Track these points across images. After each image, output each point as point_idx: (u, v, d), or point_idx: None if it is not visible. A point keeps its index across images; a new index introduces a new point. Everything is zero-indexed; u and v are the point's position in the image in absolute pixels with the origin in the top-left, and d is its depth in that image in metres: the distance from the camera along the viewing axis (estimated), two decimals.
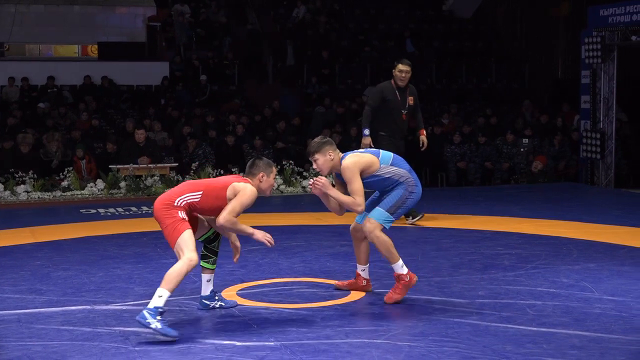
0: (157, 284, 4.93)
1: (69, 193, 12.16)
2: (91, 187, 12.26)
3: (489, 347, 4.62)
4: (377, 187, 5.64)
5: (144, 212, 10.27)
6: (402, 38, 20.14)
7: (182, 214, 5.04)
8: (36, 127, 14.81)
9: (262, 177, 5.24)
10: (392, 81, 8.84)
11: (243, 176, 5.34)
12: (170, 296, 4.87)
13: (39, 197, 11.98)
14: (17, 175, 12.14)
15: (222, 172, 12.44)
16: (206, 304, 5.50)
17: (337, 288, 6.02)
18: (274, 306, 5.58)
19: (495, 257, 7.13)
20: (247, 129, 14.89)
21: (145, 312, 4.77)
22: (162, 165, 12.76)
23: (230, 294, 5.90)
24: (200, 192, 5.12)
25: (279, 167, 12.36)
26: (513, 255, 7.18)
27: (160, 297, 4.80)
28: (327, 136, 5.89)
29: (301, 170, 12.91)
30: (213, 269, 5.48)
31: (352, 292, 5.89)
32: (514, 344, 4.65)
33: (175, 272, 4.85)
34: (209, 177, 11.72)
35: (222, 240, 5.48)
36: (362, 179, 5.47)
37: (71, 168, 12.55)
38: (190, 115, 16.03)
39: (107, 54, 19.41)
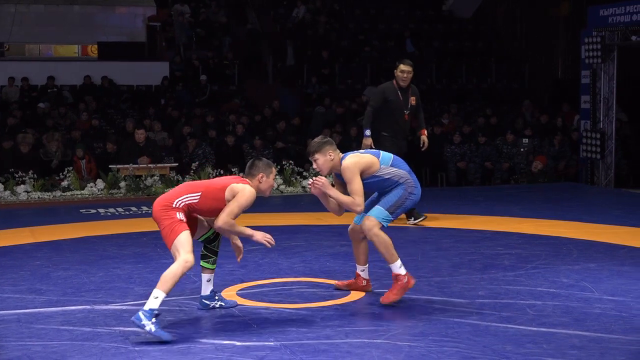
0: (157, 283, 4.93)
1: (68, 193, 12.17)
2: (91, 187, 12.26)
3: (489, 347, 4.62)
4: (377, 187, 5.64)
5: (143, 212, 10.27)
6: (402, 38, 20.14)
7: (180, 216, 5.03)
8: (36, 127, 14.81)
9: (261, 177, 5.23)
10: (394, 81, 8.83)
11: (242, 177, 5.33)
12: (166, 297, 4.87)
13: (38, 197, 11.98)
14: (17, 175, 12.15)
15: (222, 172, 12.44)
16: (206, 303, 5.50)
17: (337, 288, 6.01)
18: (274, 306, 5.58)
19: (495, 257, 7.13)
20: (247, 129, 14.89)
21: (140, 313, 4.77)
22: (162, 165, 12.76)
23: (230, 293, 5.89)
24: (199, 193, 5.11)
25: (278, 167, 12.37)
26: (513, 255, 7.17)
27: (156, 298, 4.79)
28: (327, 136, 5.87)
29: (301, 170, 12.91)
30: (213, 269, 5.48)
31: (352, 292, 5.89)
32: (514, 344, 4.65)
33: (171, 274, 4.85)
34: (209, 177, 11.74)
35: (222, 240, 5.48)
36: (362, 180, 5.46)
37: (71, 168, 12.55)
38: (190, 115, 16.03)
39: (107, 54, 19.41)
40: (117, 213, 10.38)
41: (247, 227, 5.27)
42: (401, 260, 5.59)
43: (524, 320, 5.13)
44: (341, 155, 5.54)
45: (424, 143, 9.06)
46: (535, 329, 4.96)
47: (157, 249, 7.57)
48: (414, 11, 21.77)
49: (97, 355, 4.56)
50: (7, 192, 11.95)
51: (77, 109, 16.14)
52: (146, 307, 4.78)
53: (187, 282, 6.14)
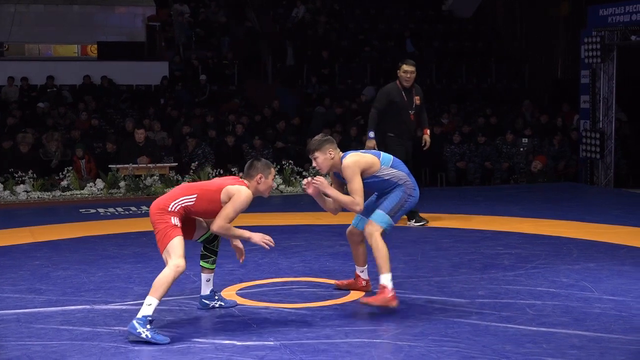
0: None
1: (68, 193, 12.17)
2: (90, 186, 12.26)
3: (489, 346, 4.61)
4: (376, 188, 5.62)
5: (143, 211, 10.26)
6: (402, 38, 20.14)
7: (174, 220, 5.00)
8: (36, 126, 14.80)
9: (260, 178, 5.17)
10: (398, 82, 8.82)
11: (241, 177, 5.30)
12: (163, 300, 4.87)
13: (38, 197, 11.98)
14: (16, 175, 12.14)
15: (221, 172, 12.44)
16: (206, 303, 5.50)
17: (337, 288, 6.01)
18: (274, 306, 5.58)
19: (495, 257, 7.12)
20: (247, 128, 14.89)
21: (134, 322, 4.77)
22: (161, 165, 12.76)
23: (229, 293, 5.89)
24: (195, 196, 5.08)
25: (278, 167, 12.37)
26: (513, 255, 7.17)
27: (149, 305, 4.79)
28: (327, 134, 5.83)
29: (301, 170, 12.91)
30: (213, 269, 5.47)
31: (351, 292, 5.89)
32: (513, 344, 4.65)
33: (162, 279, 4.83)
34: (209, 177, 11.73)
35: (222, 240, 5.47)
36: (363, 180, 5.44)
37: (71, 168, 12.55)
38: (190, 115, 16.03)
39: (107, 54, 19.40)
40: (116, 213, 10.38)
41: (246, 228, 5.26)
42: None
43: (523, 320, 5.12)
44: (341, 154, 5.50)
45: (425, 142, 9.05)
46: (535, 328, 4.96)
47: (157, 249, 7.55)
48: (414, 11, 21.77)
49: (97, 355, 4.56)
50: (7, 192, 11.94)
51: (76, 109, 16.14)
52: (139, 315, 4.78)
53: (187, 282, 6.14)
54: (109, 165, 12.60)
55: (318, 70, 18.78)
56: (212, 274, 5.49)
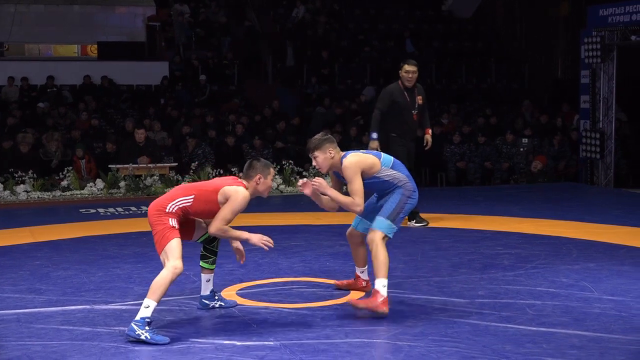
0: None
1: (68, 193, 12.17)
2: (91, 186, 12.26)
3: (489, 346, 4.62)
4: (376, 189, 5.60)
5: (143, 211, 10.25)
6: (402, 38, 20.14)
7: (172, 222, 5.00)
8: (36, 126, 14.81)
9: (259, 179, 5.14)
10: (400, 82, 8.81)
11: (240, 178, 5.29)
12: (163, 300, 4.87)
13: (38, 197, 11.98)
14: (16, 175, 12.15)
15: (221, 172, 12.44)
16: (206, 303, 5.50)
17: (337, 288, 6.01)
18: (274, 306, 5.58)
19: (495, 257, 7.12)
20: (247, 129, 14.90)
21: (133, 324, 4.77)
22: (161, 165, 12.76)
23: (229, 293, 5.89)
24: (192, 196, 5.07)
25: (278, 167, 12.37)
26: (513, 255, 7.17)
27: (147, 307, 4.79)
28: (327, 133, 5.78)
29: (301, 170, 12.91)
30: (212, 269, 5.47)
31: (351, 292, 5.89)
32: (513, 344, 4.65)
33: (160, 281, 4.83)
34: (209, 177, 11.73)
35: (222, 240, 5.47)
36: (363, 180, 5.41)
37: (71, 168, 12.55)
38: (190, 115, 16.03)
39: (107, 54, 19.41)
40: (116, 213, 10.38)
41: (246, 228, 5.25)
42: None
43: (523, 320, 5.13)
44: (342, 153, 5.45)
45: (427, 142, 9.05)
46: (534, 328, 4.96)
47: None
48: (413, 11, 21.77)
49: (97, 355, 4.56)
50: (7, 192, 11.95)
51: (76, 109, 16.14)
52: (138, 317, 4.79)
53: (187, 282, 6.14)
54: (109, 165, 12.60)
55: (318, 71, 18.78)
56: (212, 274, 5.49)
